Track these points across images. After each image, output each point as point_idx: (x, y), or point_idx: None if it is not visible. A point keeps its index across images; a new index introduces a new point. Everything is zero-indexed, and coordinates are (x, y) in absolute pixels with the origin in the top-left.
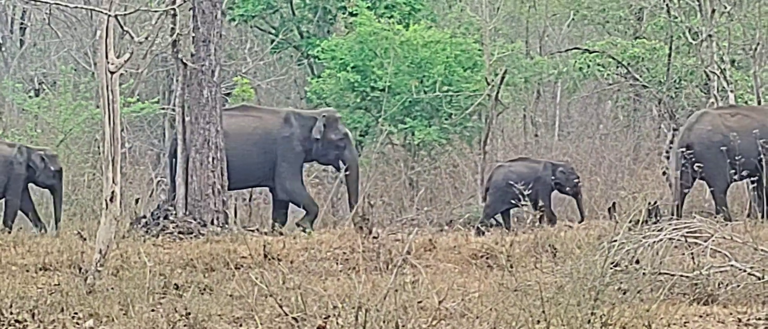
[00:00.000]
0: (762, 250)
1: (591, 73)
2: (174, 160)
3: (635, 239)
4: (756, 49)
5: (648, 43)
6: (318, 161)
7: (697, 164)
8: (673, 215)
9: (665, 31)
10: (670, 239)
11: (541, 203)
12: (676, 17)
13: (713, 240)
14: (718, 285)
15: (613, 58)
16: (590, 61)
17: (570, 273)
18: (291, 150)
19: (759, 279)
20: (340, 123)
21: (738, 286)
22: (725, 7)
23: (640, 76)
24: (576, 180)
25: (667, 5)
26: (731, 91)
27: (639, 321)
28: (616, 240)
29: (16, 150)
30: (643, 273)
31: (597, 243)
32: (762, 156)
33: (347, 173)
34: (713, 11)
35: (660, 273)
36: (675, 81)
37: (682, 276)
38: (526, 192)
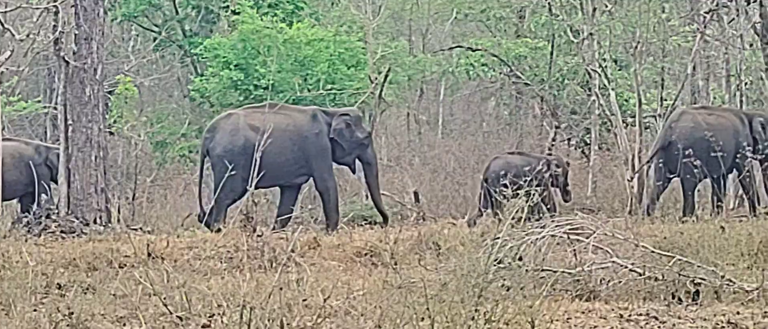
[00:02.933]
0: (643, 246)
1: (474, 72)
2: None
3: (518, 236)
4: (637, 47)
5: (530, 41)
6: (337, 161)
7: (684, 160)
8: (645, 214)
9: (547, 29)
10: (552, 236)
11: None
12: (558, 16)
13: (595, 237)
14: (600, 281)
15: (496, 57)
16: (473, 59)
17: (454, 270)
18: (323, 147)
19: (640, 274)
20: (364, 122)
21: (619, 282)
22: (606, 6)
23: (523, 75)
24: (565, 173)
25: (548, 4)
26: (612, 89)
27: (522, 317)
28: (499, 237)
29: (33, 149)
30: (526, 270)
31: (480, 240)
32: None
33: (369, 172)
34: (594, 10)
35: (543, 270)
36: (557, 79)
37: (564, 272)
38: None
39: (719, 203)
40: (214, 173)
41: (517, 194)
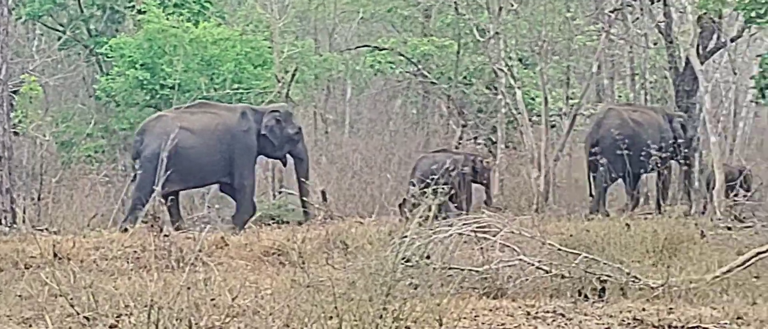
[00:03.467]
0: (550, 244)
1: (381, 71)
2: None
3: (425, 234)
4: (542, 46)
5: (436, 40)
6: (269, 156)
7: (607, 157)
8: (592, 212)
9: (453, 28)
10: (459, 234)
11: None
12: (464, 15)
13: (502, 235)
14: (507, 278)
15: (403, 56)
16: (380, 58)
17: (362, 268)
18: (248, 145)
19: (547, 272)
20: (295, 118)
21: (526, 280)
22: (512, 5)
23: (430, 73)
24: (488, 170)
25: (455, 3)
26: (519, 88)
27: (430, 315)
28: (406, 236)
29: None
30: (434, 268)
31: (388, 239)
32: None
33: (300, 168)
34: (500, 9)
35: (450, 268)
36: (463, 78)
37: (471, 270)
38: (449, 182)
39: (637, 200)
40: (143, 174)
41: (452, 189)
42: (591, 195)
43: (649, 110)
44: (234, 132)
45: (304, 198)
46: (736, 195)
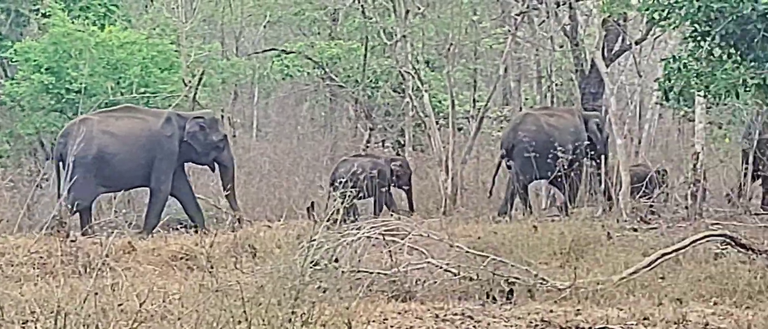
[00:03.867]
0: (458, 247)
1: (288, 74)
2: None
3: (334, 238)
4: (449, 49)
5: (344, 43)
6: (195, 162)
7: (522, 161)
8: (505, 209)
9: (360, 31)
10: (368, 237)
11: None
12: (371, 18)
13: (410, 238)
14: (416, 281)
15: (310, 59)
16: (287, 62)
17: (270, 272)
18: (170, 150)
19: (455, 275)
20: (220, 125)
21: (435, 282)
22: (419, 8)
23: (337, 77)
24: (409, 174)
25: (362, 6)
26: (426, 91)
27: (339, 318)
28: (315, 239)
29: None
30: (343, 272)
31: (296, 243)
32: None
33: (224, 174)
34: (407, 12)
35: (359, 271)
36: (371, 81)
37: (380, 273)
38: (369, 185)
39: (560, 202)
40: (67, 178)
41: (364, 195)
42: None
43: (565, 112)
44: (158, 137)
45: (233, 204)
46: (650, 196)
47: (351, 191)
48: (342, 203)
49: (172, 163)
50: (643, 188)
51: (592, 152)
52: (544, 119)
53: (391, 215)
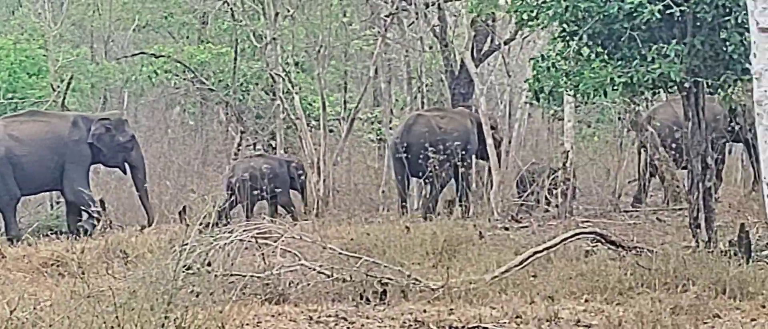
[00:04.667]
0: (331, 248)
1: (158, 79)
2: None
3: (206, 241)
4: (319, 51)
5: (213, 47)
6: (105, 164)
7: (415, 161)
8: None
9: (230, 34)
10: (241, 240)
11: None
12: (241, 21)
13: (283, 240)
14: (289, 284)
15: (180, 63)
16: (157, 66)
17: (142, 277)
18: (80, 153)
19: (328, 276)
20: (127, 126)
21: (308, 284)
22: (288, 11)
23: (207, 81)
24: (304, 175)
25: (231, 9)
26: (297, 93)
27: (213, 323)
28: (187, 243)
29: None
30: (216, 275)
31: (169, 247)
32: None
33: (135, 175)
34: (277, 14)
35: (232, 275)
36: (241, 84)
37: (253, 276)
38: (266, 187)
39: (464, 202)
40: None
41: (262, 196)
42: (403, 200)
43: (457, 113)
44: (65, 141)
45: (145, 204)
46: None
47: (260, 193)
48: (213, 206)
49: (85, 166)
50: (537, 185)
51: (483, 154)
52: (436, 121)
53: (288, 216)
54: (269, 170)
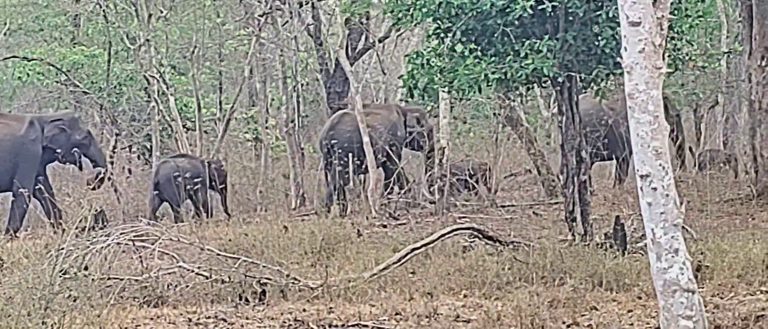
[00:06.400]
0: (209, 249)
1: (30, 81)
2: None
3: (83, 245)
4: (194, 52)
5: (86, 49)
6: (61, 162)
7: (340, 159)
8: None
9: (103, 36)
10: (118, 243)
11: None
12: (114, 23)
13: (161, 243)
14: (168, 286)
15: (52, 66)
16: (29, 69)
17: (18, 283)
18: (33, 154)
19: (207, 278)
20: (81, 123)
21: (187, 286)
22: (162, 12)
23: (81, 83)
24: (225, 176)
25: (103, 11)
26: (171, 94)
27: (91, 327)
28: (63, 248)
29: None
30: (93, 279)
31: (45, 252)
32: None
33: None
34: (150, 16)
35: (109, 278)
36: (115, 86)
37: (131, 279)
38: (190, 187)
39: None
40: None
41: (189, 196)
42: (330, 197)
43: (383, 109)
44: (22, 141)
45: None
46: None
47: (185, 193)
48: (94, 211)
49: (35, 166)
50: (472, 182)
51: (413, 146)
52: (361, 117)
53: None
54: (193, 170)
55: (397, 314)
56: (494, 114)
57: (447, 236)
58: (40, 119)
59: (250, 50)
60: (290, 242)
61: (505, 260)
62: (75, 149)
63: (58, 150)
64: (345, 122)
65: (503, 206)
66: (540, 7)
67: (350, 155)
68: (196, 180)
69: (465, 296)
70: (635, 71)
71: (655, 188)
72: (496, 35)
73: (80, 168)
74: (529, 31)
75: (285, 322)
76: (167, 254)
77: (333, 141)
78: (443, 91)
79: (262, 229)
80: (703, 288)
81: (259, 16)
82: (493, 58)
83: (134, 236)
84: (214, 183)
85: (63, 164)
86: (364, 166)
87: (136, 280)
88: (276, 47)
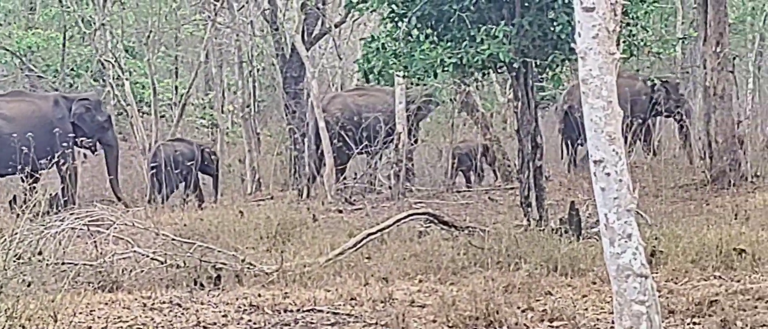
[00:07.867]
0: (164, 234)
1: None
2: None
3: (37, 230)
4: (149, 37)
5: (42, 32)
6: (80, 145)
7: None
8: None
9: (59, 21)
10: (72, 228)
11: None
12: (69, 7)
13: (116, 228)
14: (122, 271)
15: (7, 49)
16: None
17: None
18: (65, 132)
19: (162, 263)
20: (104, 106)
21: (142, 271)
22: None
23: (36, 67)
24: (217, 161)
25: None
26: (127, 79)
27: (45, 312)
28: (17, 232)
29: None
30: (47, 264)
31: None
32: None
33: (109, 154)
34: (105, 0)
35: (64, 263)
36: (71, 70)
37: (85, 264)
38: (186, 171)
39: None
40: None
41: (184, 178)
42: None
43: (377, 91)
44: (51, 119)
45: (114, 185)
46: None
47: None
48: (49, 195)
49: (70, 143)
50: (471, 163)
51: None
52: (353, 99)
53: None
54: (191, 154)
55: (352, 299)
56: (450, 100)
57: (403, 221)
58: (64, 97)
59: (206, 35)
60: (246, 227)
61: (461, 245)
62: (97, 130)
63: (83, 129)
64: (336, 104)
65: (459, 192)
66: None
67: (348, 133)
68: (191, 164)
69: (420, 281)
70: (589, 57)
71: (608, 174)
72: (452, 20)
73: (93, 152)
74: (485, 17)
75: (240, 307)
76: (122, 239)
77: (325, 123)
78: (398, 75)
79: (218, 214)
80: (657, 273)
81: (215, 1)
82: (449, 44)
83: (89, 221)
84: (209, 168)
85: (80, 147)
86: (317, 148)
87: (91, 265)
88: (232, 32)
